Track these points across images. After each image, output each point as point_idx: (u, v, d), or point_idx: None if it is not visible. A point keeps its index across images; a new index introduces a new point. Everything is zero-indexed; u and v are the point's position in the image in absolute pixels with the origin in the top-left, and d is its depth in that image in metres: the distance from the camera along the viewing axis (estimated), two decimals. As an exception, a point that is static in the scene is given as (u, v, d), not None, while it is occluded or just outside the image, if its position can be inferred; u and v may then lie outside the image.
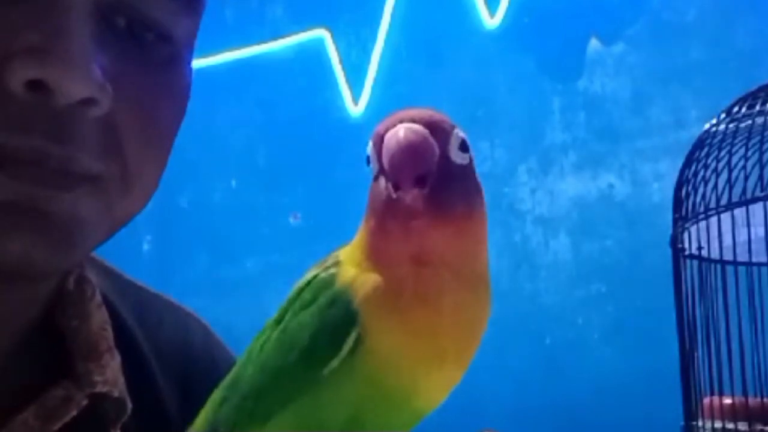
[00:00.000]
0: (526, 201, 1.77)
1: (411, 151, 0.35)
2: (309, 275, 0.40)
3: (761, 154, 0.67)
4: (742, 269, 0.72)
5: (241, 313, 1.41)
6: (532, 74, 1.78)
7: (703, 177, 0.71)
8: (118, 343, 0.49)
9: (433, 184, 0.35)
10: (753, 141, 0.68)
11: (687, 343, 0.71)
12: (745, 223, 0.68)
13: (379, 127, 0.37)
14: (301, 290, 0.40)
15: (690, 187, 0.72)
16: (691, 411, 0.70)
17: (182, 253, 2.07)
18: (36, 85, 0.35)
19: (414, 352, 0.37)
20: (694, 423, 0.68)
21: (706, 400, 0.68)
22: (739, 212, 0.68)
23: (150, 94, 0.41)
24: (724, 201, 0.68)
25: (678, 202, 0.74)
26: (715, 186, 0.69)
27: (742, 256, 0.70)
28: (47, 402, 0.43)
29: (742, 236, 0.68)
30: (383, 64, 1.92)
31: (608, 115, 1.72)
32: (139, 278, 0.57)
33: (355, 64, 1.95)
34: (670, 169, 1.55)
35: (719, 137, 0.71)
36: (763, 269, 0.73)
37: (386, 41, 1.91)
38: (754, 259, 0.71)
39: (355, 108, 1.93)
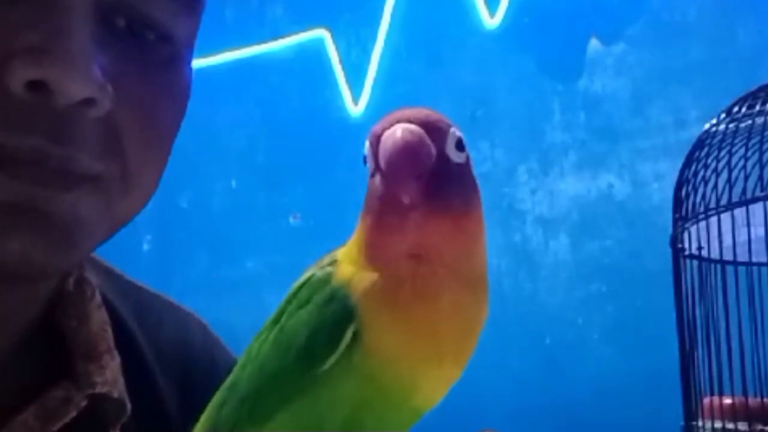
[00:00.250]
0: (526, 201, 1.77)
1: (408, 151, 0.35)
2: (306, 275, 0.40)
3: (761, 154, 0.67)
4: (742, 269, 0.72)
5: (241, 313, 1.41)
6: (532, 74, 1.78)
7: (703, 177, 0.71)
8: (118, 343, 0.49)
9: (429, 179, 0.35)
10: (753, 141, 0.68)
11: (687, 343, 0.71)
12: (745, 223, 0.68)
13: (376, 128, 0.37)
14: (298, 289, 0.40)
15: (690, 187, 0.72)
16: (691, 411, 0.70)
17: (182, 253, 2.07)
18: (36, 86, 0.35)
19: (412, 350, 0.37)
20: (694, 423, 0.68)
21: (706, 400, 0.68)
22: (739, 212, 0.68)
23: (150, 94, 0.41)
24: (724, 201, 0.68)
25: (678, 202, 0.74)
26: (715, 186, 0.69)
27: (742, 256, 0.70)
28: (47, 402, 0.43)
29: (742, 236, 0.68)
30: (383, 64, 1.92)
31: (608, 115, 1.72)
32: (139, 278, 0.57)
33: (355, 64, 1.95)
34: (670, 169, 1.55)
35: (719, 137, 0.71)
36: (763, 269, 0.73)
37: (386, 41, 1.91)
38: (754, 259, 0.71)
39: (355, 108, 1.93)
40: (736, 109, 0.72)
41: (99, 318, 0.48)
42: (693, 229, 0.71)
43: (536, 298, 1.73)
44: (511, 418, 1.59)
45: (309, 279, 0.40)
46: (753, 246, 0.69)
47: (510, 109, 1.80)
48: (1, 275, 0.38)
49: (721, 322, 0.69)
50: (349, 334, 0.36)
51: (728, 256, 0.69)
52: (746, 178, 0.67)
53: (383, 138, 0.36)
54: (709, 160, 0.71)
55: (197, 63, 0.46)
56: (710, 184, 0.70)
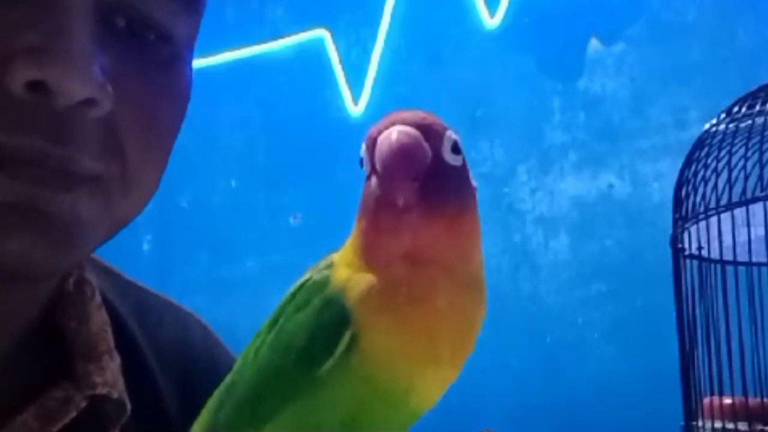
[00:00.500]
0: (526, 201, 1.77)
1: (403, 153, 0.35)
2: (302, 278, 0.40)
3: (761, 154, 0.67)
4: (742, 269, 0.72)
5: (241, 313, 1.41)
6: (532, 74, 1.78)
7: (703, 177, 0.71)
8: (118, 343, 0.49)
9: (424, 181, 0.36)
10: (753, 141, 0.68)
11: (687, 343, 0.71)
12: (745, 223, 0.68)
13: (372, 130, 0.37)
14: (295, 293, 0.40)
15: (690, 187, 0.72)
16: (691, 411, 0.70)
17: (182, 253, 2.07)
18: (36, 86, 0.35)
19: (409, 351, 0.37)
20: (694, 423, 0.68)
21: (706, 400, 0.68)
22: (739, 212, 0.68)
23: (150, 95, 0.41)
24: (724, 201, 0.68)
25: (678, 202, 0.74)
26: (715, 186, 0.69)
27: (742, 256, 0.70)
28: (47, 403, 0.43)
29: (742, 236, 0.68)
30: (383, 64, 1.92)
31: (608, 115, 1.72)
32: (139, 278, 0.57)
33: (355, 64, 1.95)
34: (670, 169, 1.55)
35: (719, 137, 0.71)
36: (763, 269, 0.73)
37: (386, 41, 1.91)
38: (754, 259, 0.71)
39: (355, 108, 1.93)
40: (736, 109, 0.72)
41: (99, 318, 0.48)
42: (693, 229, 0.71)
43: (536, 298, 1.73)
44: (511, 418, 1.59)
45: (305, 282, 0.40)
46: (753, 246, 0.69)
47: (510, 109, 1.80)
48: (1, 275, 0.38)
49: (721, 322, 0.69)
50: (345, 338, 0.36)
51: (728, 256, 0.70)
52: (746, 178, 0.67)
53: (379, 140, 0.36)
54: (709, 160, 0.71)
55: (197, 63, 0.46)
56: (710, 184, 0.70)
